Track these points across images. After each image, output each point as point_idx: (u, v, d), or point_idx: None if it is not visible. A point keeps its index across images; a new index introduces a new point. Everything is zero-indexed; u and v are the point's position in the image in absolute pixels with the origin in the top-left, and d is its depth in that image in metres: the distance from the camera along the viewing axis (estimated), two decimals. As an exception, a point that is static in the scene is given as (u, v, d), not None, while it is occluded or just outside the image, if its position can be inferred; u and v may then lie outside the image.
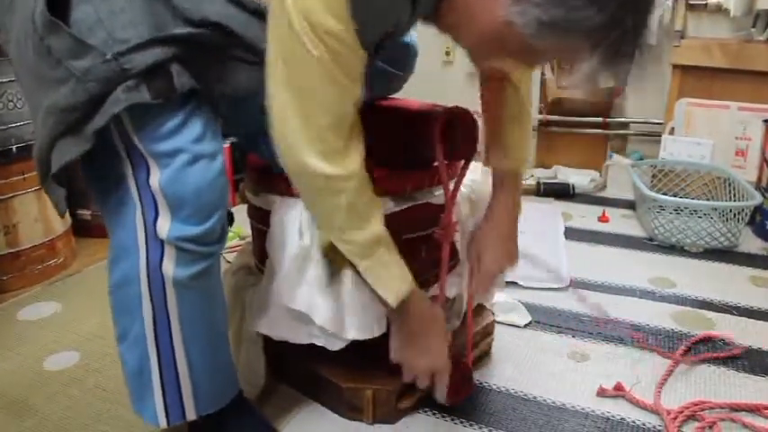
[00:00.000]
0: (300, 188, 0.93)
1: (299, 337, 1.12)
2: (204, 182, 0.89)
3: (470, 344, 1.24)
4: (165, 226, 0.90)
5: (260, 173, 1.16)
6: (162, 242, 0.91)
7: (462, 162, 1.12)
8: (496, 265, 1.15)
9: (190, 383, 0.99)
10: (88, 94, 0.84)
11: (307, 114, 0.85)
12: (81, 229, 2.05)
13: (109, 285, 0.97)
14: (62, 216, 0.98)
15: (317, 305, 1.06)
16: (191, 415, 1.00)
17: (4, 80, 1.65)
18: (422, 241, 1.14)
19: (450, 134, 1.04)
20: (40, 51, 0.85)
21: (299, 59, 0.81)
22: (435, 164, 1.09)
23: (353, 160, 0.90)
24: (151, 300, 0.93)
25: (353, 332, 1.07)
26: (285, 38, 0.81)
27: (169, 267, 0.91)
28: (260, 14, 0.88)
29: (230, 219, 2.05)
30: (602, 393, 1.22)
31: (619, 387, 1.23)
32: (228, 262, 1.50)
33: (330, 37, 0.79)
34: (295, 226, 1.05)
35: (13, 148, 1.69)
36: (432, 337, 1.07)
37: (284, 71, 0.84)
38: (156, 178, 0.89)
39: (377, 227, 0.95)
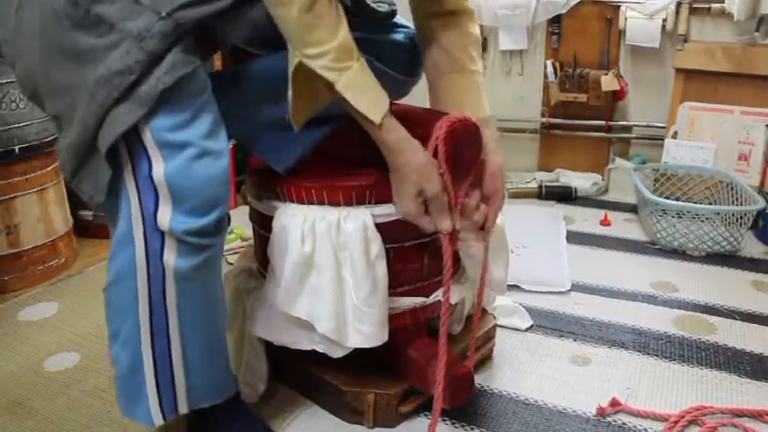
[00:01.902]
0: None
1: (301, 343, 1.11)
2: (209, 177, 0.91)
3: (473, 347, 1.24)
4: (165, 217, 0.90)
5: (262, 177, 1.15)
6: (162, 234, 0.91)
7: (466, 169, 1.12)
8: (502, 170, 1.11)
9: (184, 378, 0.98)
10: (144, 52, 0.87)
11: None
12: (82, 230, 2.05)
13: (106, 283, 0.97)
14: (99, 204, 0.99)
15: (318, 313, 1.06)
16: (183, 408, 1.00)
17: (6, 81, 1.65)
18: (424, 248, 1.14)
19: (454, 141, 1.03)
20: (85, 24, 0.88)
21: None
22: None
23: None
24: (149, 292, 0.93)
25: (356, 340, 1.07)
26: None
27: (170, 258, 0.92)
28: None
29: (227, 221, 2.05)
30: (601, 413, 1.22)
31: (615, 402, 1.23)
32: (230, 264, 1.50)
33: None
34: (297, 233, 1.05)
35: (16, 148, 1.69)
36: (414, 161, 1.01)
37: None
38: (160, 170, 0.89)
39: (346, 38, 0.95)
